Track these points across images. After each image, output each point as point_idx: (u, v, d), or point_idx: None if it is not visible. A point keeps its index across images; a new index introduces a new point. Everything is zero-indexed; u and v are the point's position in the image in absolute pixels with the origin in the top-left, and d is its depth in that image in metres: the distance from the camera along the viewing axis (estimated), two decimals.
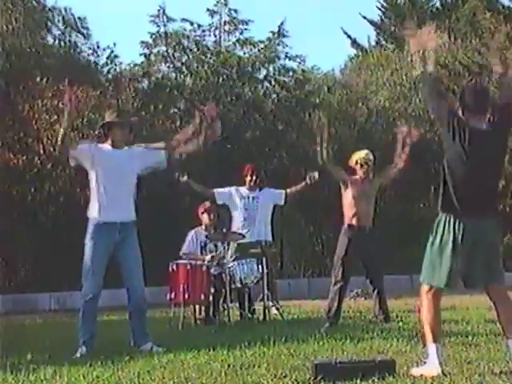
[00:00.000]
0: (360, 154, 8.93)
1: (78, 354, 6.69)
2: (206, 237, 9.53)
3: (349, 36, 29.18)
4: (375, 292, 8.79)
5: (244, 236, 9.59)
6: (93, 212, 7.04)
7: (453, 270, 5.17)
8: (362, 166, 8.80)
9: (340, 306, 8.68)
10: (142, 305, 7.07)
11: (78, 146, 7.19)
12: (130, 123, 7.34)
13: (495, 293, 5.26)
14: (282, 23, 19.73)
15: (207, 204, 10.06)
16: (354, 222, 8.72)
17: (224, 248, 9.29)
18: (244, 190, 10.19)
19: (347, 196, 8.82)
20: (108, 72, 19.51)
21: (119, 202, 6.98)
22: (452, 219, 5.18)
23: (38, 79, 16.77)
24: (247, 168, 10.31)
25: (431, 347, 5.16)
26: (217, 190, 10.23)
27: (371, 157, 8.91)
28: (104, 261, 7.01)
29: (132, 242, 7.07)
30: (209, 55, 19.62)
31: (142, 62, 19.97)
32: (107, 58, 19.46)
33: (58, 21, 18.99)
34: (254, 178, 10.15)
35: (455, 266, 5.16)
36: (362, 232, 8.67)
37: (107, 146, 7.18)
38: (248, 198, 10.11)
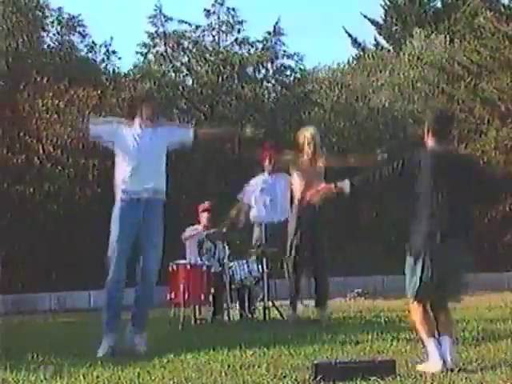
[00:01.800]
0: (306, 132, 8.74)
1: (100, 353, 6.49)
2: (206, 236, 9.53)
3: (350, 35, 29.22)
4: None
5: (241, 236, 9.61)
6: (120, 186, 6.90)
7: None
8: (308, 143, 8.62)
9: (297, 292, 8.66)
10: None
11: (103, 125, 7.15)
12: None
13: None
14: (277, 22, 19.81)
15: (207, 203, 10.07)
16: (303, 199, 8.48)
17: (224, 247, 9.29)
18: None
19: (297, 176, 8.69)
20: (106, 67, 19.52)
21: (147, 179, 6.88)
22: None
23: (38, 79, 16.78)
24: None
25: (428, 342, 5.27)
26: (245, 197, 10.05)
27: (317, 135, 8.71)
28: (130, 240, 6.84)
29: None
30: (208, 55, 19.62)
31: (142, 62, 20.01)
32: (104, 53, 19.48)
33: (53, 20, 18.99)
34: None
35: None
36: (310, 209, 8.39)
37: (136, 125, 7.04)
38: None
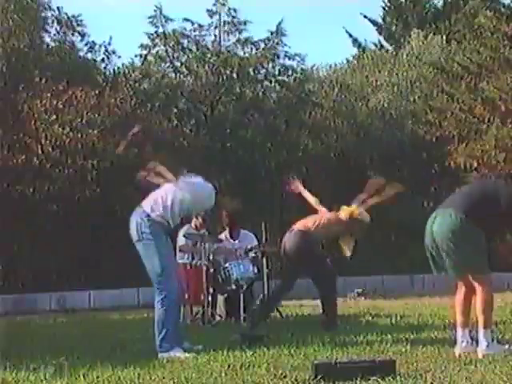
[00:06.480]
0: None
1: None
2: (199, 236, 9.47)
3: (350, 35, 29.25)
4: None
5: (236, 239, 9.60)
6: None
7: None
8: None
9: None
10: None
11: None
12: None
13: None
14: (280, 22, 19.92)
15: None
16: None
17: (216, 248, 9.31)
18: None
19: None
20: (105, 68, 19.53)
21: None
22: None
23: (37, 79, 16.79)
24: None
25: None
26: None
27: None
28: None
29: None
30: (209, 55, 19.64)
31: (142, 63, 20.02)
32: (104, 53, 19.50)
33: (53, 21, 18.99)
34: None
35: None
36: None
37: None
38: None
